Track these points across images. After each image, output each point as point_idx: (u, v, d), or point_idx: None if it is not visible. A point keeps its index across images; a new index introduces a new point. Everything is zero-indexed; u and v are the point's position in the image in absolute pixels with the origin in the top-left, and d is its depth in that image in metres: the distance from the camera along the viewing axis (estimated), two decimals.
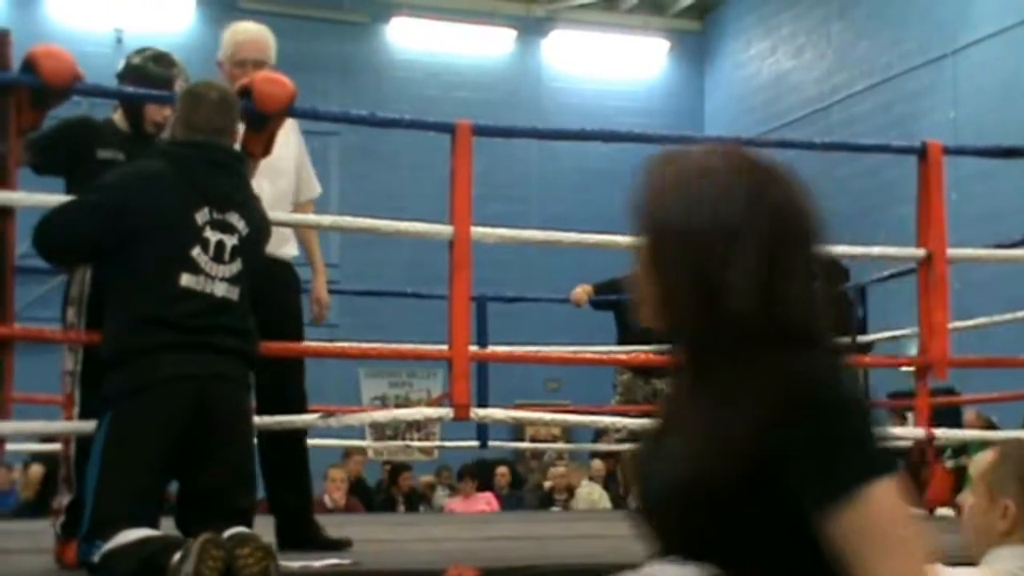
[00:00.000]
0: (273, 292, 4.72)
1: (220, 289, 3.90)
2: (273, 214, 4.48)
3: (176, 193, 3.89)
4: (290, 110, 4.53)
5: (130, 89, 4.57)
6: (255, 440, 4.17)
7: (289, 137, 5.05)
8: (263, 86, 4.39)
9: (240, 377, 3.97)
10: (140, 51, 4.75)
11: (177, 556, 3.37)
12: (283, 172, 4.99)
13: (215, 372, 3.85)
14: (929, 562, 1.59)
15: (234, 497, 3.85)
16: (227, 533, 3.54)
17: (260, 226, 4.13)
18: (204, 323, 3.84)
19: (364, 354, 5.67)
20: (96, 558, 3.64)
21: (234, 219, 3.96)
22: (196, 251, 3.87)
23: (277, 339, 4.65)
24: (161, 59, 4.67)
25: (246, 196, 4.08)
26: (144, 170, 3.99)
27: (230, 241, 3.93)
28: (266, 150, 4.45)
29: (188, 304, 3.83)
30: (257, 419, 4.42)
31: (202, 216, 3.90)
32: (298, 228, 5.10)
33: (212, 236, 3.90)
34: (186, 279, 3.85)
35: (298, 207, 5.13)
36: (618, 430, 8.46)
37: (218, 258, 3.90)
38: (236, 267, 3.94)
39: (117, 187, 3.92)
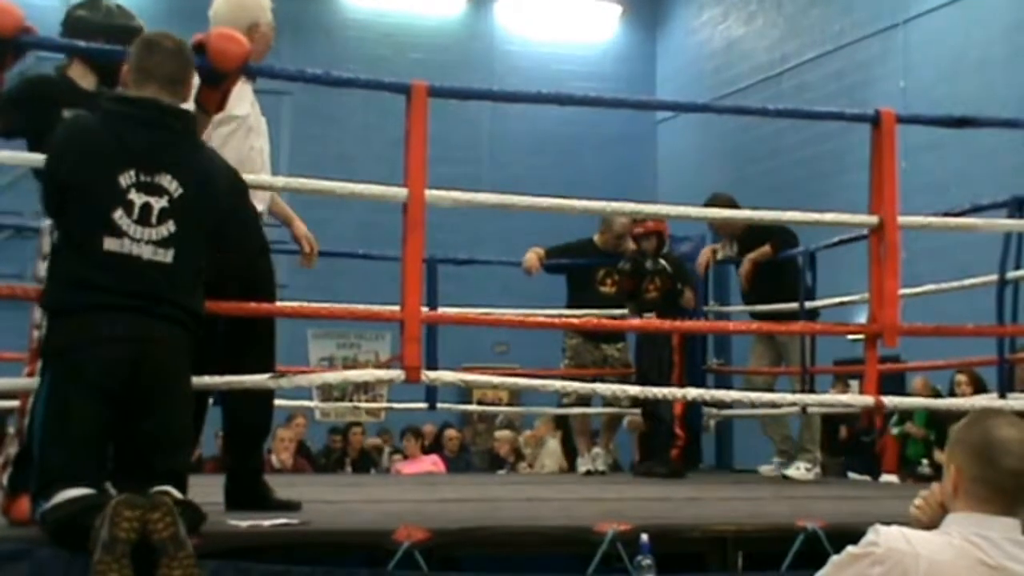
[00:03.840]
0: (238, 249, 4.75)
1: (147, 252, 3.80)
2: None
3: (102, 154, 3.82)
4: (245, 67, 4.48)
5: (95, 45, 4.51)
6: (190, 403, 4.10)
7: (255, 98, 5.02)
8: (219, 43, 4.33)
9: (175, 341, 3.90)
10: (86, 3, 4.68)
11: (99, 518, 3.39)
12: (264, 131, 5.01)
13: (149, 335, 3.80)
14: None
15: (162, 458, 3.82)
16: (146, 495, 3.54)
17: (205, 184, 3.98)
18: (137, 287, 3.78)
19: (316, 314, 5.64)
20: (38, 516, 3.68)
21: (165, 181, 3.85)
22: (118, 214, 3.77)
23: (244, 300, 4.65)
24: (123, 12, 4.61)
25: (182, 156, 3.95)
26: (75, 128, 3.92)
27: (158, 203, 3.82)
28: (220, 106, 4.40)
29: (116, 268, 3.77)
30: (208, 379, 4.41)
31: (127, 178, 3.80)
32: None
33: (137, 199, 3.80)
34: (108, 243, 3.77)
35: None
36: (567, 394, 8.53)
37: (143, 221, 3.80)
38: (166, 230, 3.83)
39: (56, 144, 3.89)
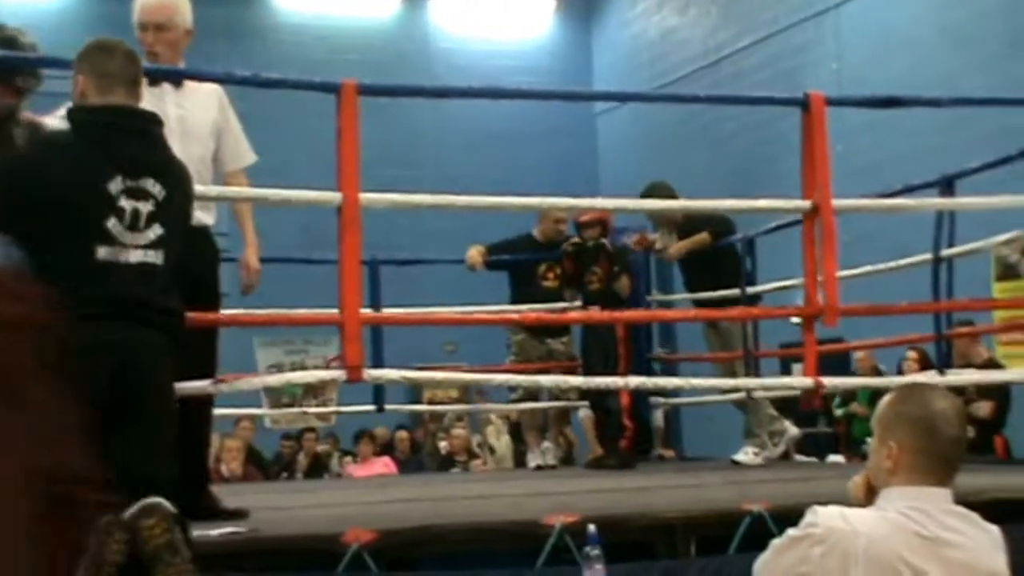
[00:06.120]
0: (187, 260, 4.70)
1: (136, 256, 3.81)
2: None
3: (86, 165, 3.80)
4: (175, 71, 4.47)
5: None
6: (174, 412, 4.08)
7: (210, 102, 4.97)
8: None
9: (161, 346, 3.89)
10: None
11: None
12: (197, 137, 4.91)
13: (134, 339, 3.78)
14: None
15: (146, 468, 3.77)
16: (135, 506, 3.48)
17: (182, 188, 4.05)
18: (123, 293, 3.77)
19: (254, 321, 5.61)
20: None
21: (148, 184, 3.87)
22: (111, 222, 3.79)
23: (190, 309, 4.61)
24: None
25: (163, 160, 3.99)
26: (50, 146, 3.90)
27: (145, 208, 3.84)
28: None
29: (105, 277, 3.76)
30: None
31: (115, 185, 3.80)
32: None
33: (127, 204, 3.82)
34: (102, 252, 3.77)
35: (228, 176, 5.06)
36: (513, 389, 8.54)
37: (133, 226, 3.82)
38: (154, 233, 3.86)
39: (14, 174, 3.83)
